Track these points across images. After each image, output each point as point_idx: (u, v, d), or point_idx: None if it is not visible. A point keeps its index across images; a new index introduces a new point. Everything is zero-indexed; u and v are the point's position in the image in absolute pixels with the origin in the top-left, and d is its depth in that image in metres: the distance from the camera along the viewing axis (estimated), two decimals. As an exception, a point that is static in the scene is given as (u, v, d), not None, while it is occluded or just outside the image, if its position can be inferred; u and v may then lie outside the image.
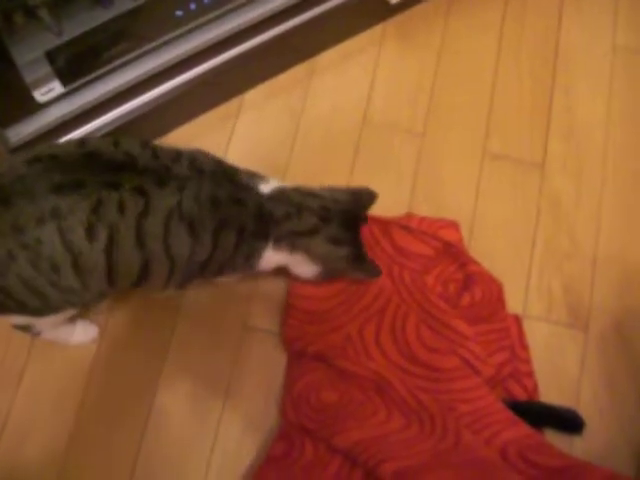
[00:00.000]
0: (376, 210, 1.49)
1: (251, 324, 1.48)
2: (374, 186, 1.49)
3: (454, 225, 1.54)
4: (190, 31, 1.48)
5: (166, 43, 1.47)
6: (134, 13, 1.44)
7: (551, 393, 1.44)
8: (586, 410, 1.43)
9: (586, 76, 1.69)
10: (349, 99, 1.59)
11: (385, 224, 1.50)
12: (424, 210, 1.55)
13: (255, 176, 1.27)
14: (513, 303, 1.49)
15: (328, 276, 1.37)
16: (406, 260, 1.49)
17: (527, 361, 1.45)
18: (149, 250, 1.15)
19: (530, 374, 1.44)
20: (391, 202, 1.55)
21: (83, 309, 1.31)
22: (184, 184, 1.15)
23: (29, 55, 1.39)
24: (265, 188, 1.26)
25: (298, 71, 1.64)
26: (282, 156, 1.59)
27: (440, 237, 1.49)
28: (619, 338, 1.49)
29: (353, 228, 1.32)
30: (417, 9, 1.72)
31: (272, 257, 1.28)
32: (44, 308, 1.20)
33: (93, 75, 1.43)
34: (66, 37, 1.40)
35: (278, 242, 1.26)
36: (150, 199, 1.12)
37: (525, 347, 1.46)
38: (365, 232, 1.48)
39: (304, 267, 1.32)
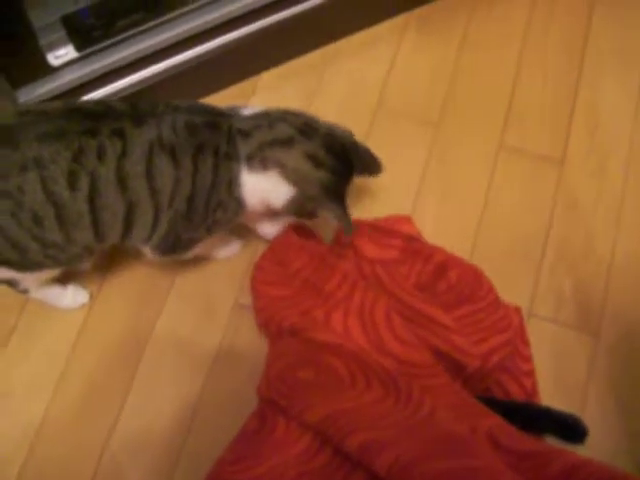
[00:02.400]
0: (384, 198, 1.48)
1: (242, 302, 1.45)
2: (383, 175, 1.46)
3: (408, 219, 1.48)
4: (207, 4, 1.48)
5: (183, 15, 1.48)
6: (153, -19, 1.46)
7: (554, 397, 1.35)
8: (590, 418, 1.33)
9: (614, 73, 1.63)
10: (364, 85, 1.57)
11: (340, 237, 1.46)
12: (431, 199, 1.51)
13: (237, 106, 1.25)
14: (520, 300, 1.42)
15: (300, 210, 1.28)
16: (371, 267, 1.42)
17: (527, 359, 1.37)
18: (132, 192, 1.13)
19: (530, 373, 1.36)
20: (399, 190, 1.51)
21: (68, 269, 1.30)
22: (161, 119, 1.14)
23: (45, 19, 1.41)
24: (246, 111, 1.24)
25: (316, 55, 1.63)
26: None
27: (398, 232, 1.44)
28: (630, 347, 1.41)
29: (339, 157, 1.24)
30: (442, 1, 1.69)
31: (250, 183, 1.21)
32: (22, 262, 1.20)
33: (107, 42, 1.45)
34: (83, 3, 1.42)
35: (251, 160, 1.20)
36: (128, 140, 1.12)
37: (526, 343, 1.38)
38: (321, 256, 1.43)
39: (278, 190, 1.23)
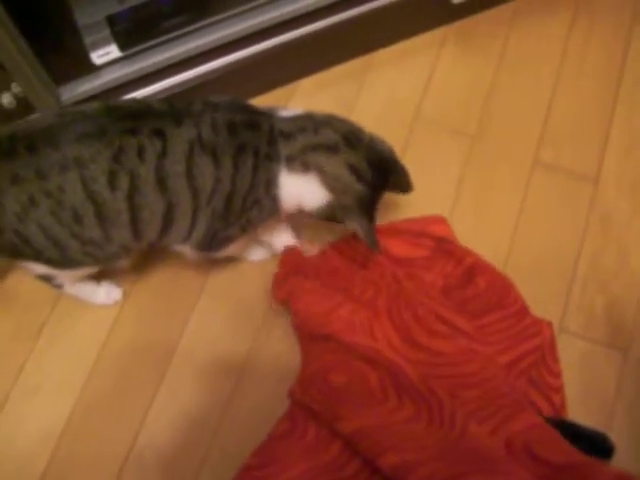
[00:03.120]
0: (419, 207, 1.48)
1: (275, 306, 1.44)
2: (419, 182, 1.46)
3: (442, 220, 1.48)
4: (251, 9, 1.49)
5: (227, 19, 1.49)
6: (199, -14, 1.47)
7: (581, 413, 1.35)
8: (617, 435, 1.33)
9: (653, 94, 1.65)
10: (403, 96, 1.57)
11: None
12: (466, 212, 1.52)
13: (276, 107, 1.26)
14: (551, 315, 1.41)
15: (329, 216, 1.28)
16: (401, 267, 1.43)
17: (557, 375, 1.37)
18: (172, 192, 1.14)
19: (559, 389, 1.36)
20: (434, 200, 1.52)
21: (106, 267, 1.31)
22: (200, 118, 1.15)
23: (91, 17, 1.42)
24: (285, 112, 1.24)
25: (355, 64, 1.63)
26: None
27: (431, 233, 1.45)
28: (661, 366, 1.41)
29: (378, 172, 1.24)
30: (481, 16, 1.70)
31: (289, 184, 1.22)
32: (62, 260, 1.21)
33: (151, 43, 1.47)
34: (128, 4, 1.43)
35: (291, 161, 1.20)
36: (167, 139, 1.13)
37: (556, 359, 1.38)
38: (353, 251, 1.45)
39: (314, 194, 1.24)
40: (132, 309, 1.46)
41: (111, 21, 1.42)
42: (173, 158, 1.13)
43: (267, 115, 1.23)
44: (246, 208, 1.22)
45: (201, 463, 1.35)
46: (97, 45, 1.44)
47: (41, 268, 1.27)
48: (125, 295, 1.47)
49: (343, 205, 1.25)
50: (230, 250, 1.36)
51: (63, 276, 1.34)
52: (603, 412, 1.38)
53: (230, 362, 1.42)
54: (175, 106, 1.18)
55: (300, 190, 1.24)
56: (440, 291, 1.41)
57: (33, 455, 1.37)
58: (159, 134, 1.13)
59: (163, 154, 1.12)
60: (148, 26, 1.45)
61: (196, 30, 1.48)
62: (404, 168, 1.32)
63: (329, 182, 1.23)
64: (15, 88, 1.44)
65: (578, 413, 1.35)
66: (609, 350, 1.42)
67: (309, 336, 1.38)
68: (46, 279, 1.35)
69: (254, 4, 1.50)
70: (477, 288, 1.39)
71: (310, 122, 1.23)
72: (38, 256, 1.19)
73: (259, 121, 1.21)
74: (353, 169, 1.22)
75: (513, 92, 1.63)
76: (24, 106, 1.41)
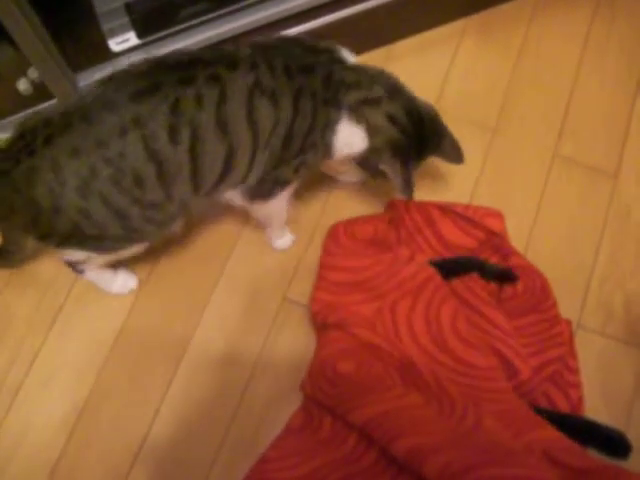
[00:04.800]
0: (437, 199, 1.47)
1: (291, 297, 1.45)
2: (438, 176, 1.47)
3: (499, 215, 1.48)
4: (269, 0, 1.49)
5: (244, 8, 1.48)
6: (216, -25, 1.46)
7: (599, 410, 1.35)
8: (635, 433, 1.32)
9: (673, 88, 1.63)
10: (422, 88, 1.51)
11: (428, 210, 1.45)
12: (485, 204, 1.49)
13: (336, 45, 1.25)
14: (568, 312, 1.41)
15: (365, 161, 1.30)
16: (448, 252, 1.44)
17: (575, 371, 1.36)
18: (232, 135, 1.14)
19: (577, 385, 1.35)
20: (454, 193, 1.51)
21: (160, 236, 1.28)
22: (254, 61, 1.15)
23: (109, 5, 1.42)
24: (346, 54, 1.24)
25: (375, 55, 1.62)
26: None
27: (484, 226, 1.44)
28: (679, 365, 1.40)
29: (414, 123, 1.26)
30: (501, 9, 1.69)
31: (345, 132, 1.23)
32: (124, 234, 1.20)
33: (169, 31, 1.45)
34: (147, -9, 1.44)
35: (353, 112, 1.22)
36: (225, 84, 1.12)
37: (574, 356, 1.37)
38: (407, 220, 1.45)
39: (358, 142, 1.25)
40: (148, 299, 1.45)
41: (129, 8, 1.42)
42: (233, 102, 1.12)
43: (326, 56, 1.22)
44: (303, 149, 1.22)
45: (215, 454, 1.34)
46: (115, 32, 1.43)
47: (79, 254, 1.27)
48: (141, 284, 1.46)
49: (375, 147, 1.27)
50: (274, 207, 1.34)
51: (101, 260, 1.34)
52: (621, 410, 1.37)
53: (245, 353, 1.41)
54: (224, 51, 1.17)
55: (351, 138, 1.25)
56: (481, 288, 1.39)
57: (47, 442, 1.37)
58: (216, 79, 1.12)
59: (223, 99, 1.12)
60: (166, 14, 1.44)
61: (214, 19, 1.47)
62: (453, 138, 1.32)
63: (370, 131, 1.24)
64: (32, 74, 1.44)
65: (596, 410, 1.35)
66: (627, 347, 1.41)
67: (322, 325, 1.38)
68: (71, 264, 1.36)
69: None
70: (515, 289, 1.38)
71: (366, 76, 1.23)
72: (100, 236, 1.18)
73: (314, 65, 1.20)
74: (390, 117, 1.24)
75: (533, 85, 1.62)
76: (41, 92, 1.41)
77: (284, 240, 1.49)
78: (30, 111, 1.41)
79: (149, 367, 1.40)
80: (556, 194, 1.52)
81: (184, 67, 1.13)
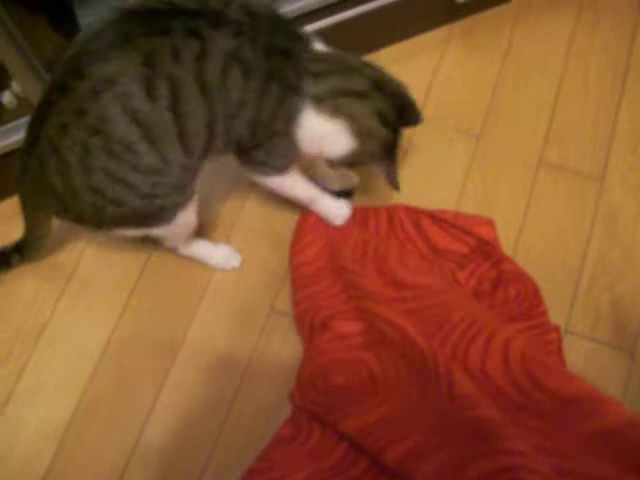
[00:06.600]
0: (424, 205, 1.47)
1: (279, 308, 1.44)
2: (422, 183, 1.47)
3: (489, 222, 1.48)
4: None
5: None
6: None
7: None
8: (624, 437, 1.33)
9: (657, 91, 1.63)
10: (406, 94, 1.57)
11: (417, 216, 1.46)
12: (471, 210, 1.50)
13: (312, 35, 1.21)
14: (556, 317, 1.41)
15: (353, 162, 1.28)
16: (438, 258, 1.44)
17: (564, 377, 1.37)
18: (213, 99, 1.09)
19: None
20: (438, 200, 1.51)
21: (183, 204, 1.24)
22: (240, 28, 1.09)
23: (93, 17, 1.40)
24: (319, 45, 1.20)
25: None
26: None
27: (475, 234, 1.44)
28: (667, 368, 1.40)
29: (401, 116, 1.24)
30: (485, 15, 1.69)
31: (313, 126, 1.19)
32: (148, 205, 1.18)
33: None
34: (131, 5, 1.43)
35: (320, 101, 1.17)
36: (206, 41, 1.06)
37: (563, 362, 1.36)
38: (396, 224, 1.45)
39: (340, 140, 1.22)
40: (136, 305, 1.46)
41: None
42: (211, 62, 1.07)
43: (303, 43, 1.18)
44: (268, 136, 1.18)
45: (205, 463, 1.34)
46: (99, 44, 1.44)
47: (134, 232, 1.27)
48: (129, 291, 1.46)
49: (369, 151, 1.25)
50: (282, 186, 1.32)
51: (166, 235, 1.34)
52: (610, 414, 1.37)
53: (233, 362, 1.41)
54: (209, 5, 1.10)
55: (325, 134, 1.21)
56: (470, 292, 1.40)
57: (37, 451, 1.37)
58: (195, 34, 1.06)
59: (202, 56, 1.06)
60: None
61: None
62: (413, 101, 1.28)
63: (357, 129, 1.21)
64: (16, 87, 1.44)
65: None
66: (615, 351, 1.40)
67: (310, 328, 1.38)
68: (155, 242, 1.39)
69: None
70: (507, 295, 1.39)
71: (342, 65, 1.20)
72: (125, 211, 1.17)
73: (294, 49, 1.16)
74: (380, 115, 1.21)
75: (519, 90, 1.62)
76: (25, 106, 1.41)
77: (339, 207, 1.45)
78: (15, 123, 1.42)
79: (138, 375, 1.41)
80: (543, 199, 1.52)
81: (158, 17, 1.06)
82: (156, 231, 1.28)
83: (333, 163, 1.33)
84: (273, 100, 1.14)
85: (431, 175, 1.53)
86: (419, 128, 1.52)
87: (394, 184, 1.30)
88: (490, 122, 1.59)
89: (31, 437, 1.37)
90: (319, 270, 1.41)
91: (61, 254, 1.50)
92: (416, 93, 1.56)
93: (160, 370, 1.41)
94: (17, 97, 1.43)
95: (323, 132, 1.20)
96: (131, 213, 1.18)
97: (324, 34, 1.49)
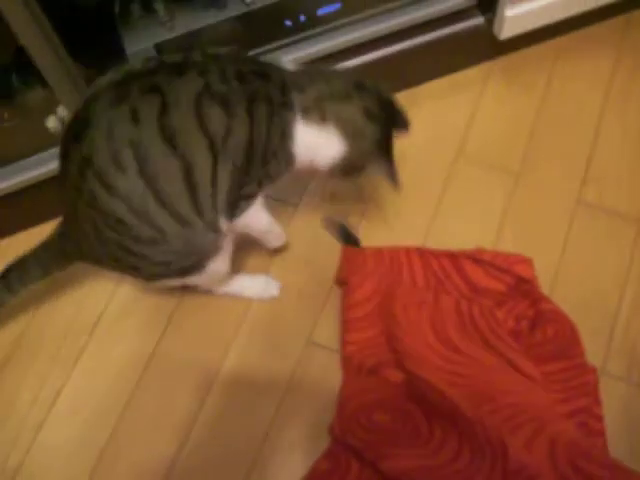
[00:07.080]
0: (460, 245, 1.47)
1: (314, 340, 1.44)
2: (460, 220, 1.48)
3: (528, 261, 1.47)
4: (296, 42, 1.50)
5: (270, 51, 1.50)
6: (245, 18, 1.46)
7: (625, 458, 1.30)
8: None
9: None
10: (446, 130, 1.57)
11: (456, 258, 1.46)
12: (508, 249, 1.49)
13: (277, 57, 1.25)
14: (592, 358, 1.39)
15: (349, 167, 1.27)
16: (477, 295, 1.43)
17: (600, 419, 1.34)
18: (184, 148, 1.08)
19: (602, 433, 1.34)
20: (476, 239, 1.51)
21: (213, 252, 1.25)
22: (204, 68, 1.11)
23: (139, 45, 1.43)
24: (290, 64, 1.23)
25: (399, 97, 1.56)
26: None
27: (513, 272, 1.43)
28: None
29: (387, 112, 1.26)
30: (526, 52, 1.70)
31: (306, 136, 1.20)
32: (154, 268, 1.20)
33: (197, 71, 1.47)
34: (176, 33, 1.44)
35: (307, 112, 1.19)
36: (167, 93, 1.07)
37: (599, 403, 1.36)
38: (435, 266, 1.45)
39: (332, 145, 1.22)
40: (172, 337, 1.46)
41: (159, 49, 1.43)
42: (178, 112, 1.07)
43: (274, 66, 1.21)
44: (265, 160, 1.19)
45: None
46: (145, 72, 1.45)
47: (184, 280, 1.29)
48: (168, 317, 1.47)
49: (363, 150, 1.26)
50: (247, 222, 1.27)
51: (198, 282, 1.35)
52: (645, 458, 1.36)
53: (270, 390, 1.40)
54: (166, 62, 1.12)
55: (316, 142, 1.22)
56: (509, 332, 1.39)
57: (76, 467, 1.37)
58: (154, 90, 1.07)
59: (165, 110, 1.06)
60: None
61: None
62: (401, 106, 1.30)
63: (346, 129, 1.22)
64: (61, 112, 1.45)
65: (621, 458, 1.31)
66: (651, 394, 1.40)
67: (357, 368, 1.37)
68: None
69: (302, 36, 1.50)
70: (545, 335, 1.38)
71: (321, 74, 1.23)
72: (136, 268, 1.20)
73: (267, 71, 1.18)
74: (366, 112, 1.22)
75: (557, 129, 1.63)
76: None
77: (275, 235, 1.44)
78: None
79: (172, 407, 1.40)
80: (580, 239, 1.52)
81: (116, 86, 1.08)
82: (187, 281, 1.31)
83: (332, 175, 1.31)
84: (263, 118, 1.15)
85: (469, 212, 1.53)
86: (458, 165, 1.56)
87: (394, 181, 1.30)
88: (528, 160, 1.60)
89: (62, 468, 1.37)
90: (371, 314, 1.41)
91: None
92: (455, 129, 1.61)
93: (195, 399, 1.40)
94: (62, 121, 1.45)
95: (315, 140, 1.22)
96: (154, 274, 1.22)
97: (366, 70, 1.52)
